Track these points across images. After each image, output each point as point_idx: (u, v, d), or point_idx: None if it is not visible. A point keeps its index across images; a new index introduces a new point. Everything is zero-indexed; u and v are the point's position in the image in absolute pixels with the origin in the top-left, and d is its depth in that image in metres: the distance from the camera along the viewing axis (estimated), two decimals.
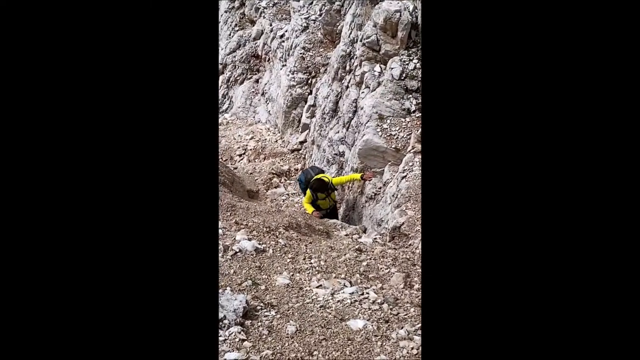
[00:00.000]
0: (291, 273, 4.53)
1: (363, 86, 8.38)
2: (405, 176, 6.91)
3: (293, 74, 11.35)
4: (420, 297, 4.20)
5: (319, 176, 7.73)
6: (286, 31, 12.34)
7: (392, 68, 7.92)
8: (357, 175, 7.60)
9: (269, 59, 13.15)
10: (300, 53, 11.39)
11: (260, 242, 4.98)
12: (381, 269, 4.82)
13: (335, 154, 8.90)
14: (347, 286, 4.35)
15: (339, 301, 4.06)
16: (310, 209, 7.75)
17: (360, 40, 8.57)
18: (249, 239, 4.97)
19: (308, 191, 7.78)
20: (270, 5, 13.48)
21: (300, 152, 10.88)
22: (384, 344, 3.47)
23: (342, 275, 4.59)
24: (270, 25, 13.12)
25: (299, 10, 12.11)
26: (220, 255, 4.60)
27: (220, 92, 14.05)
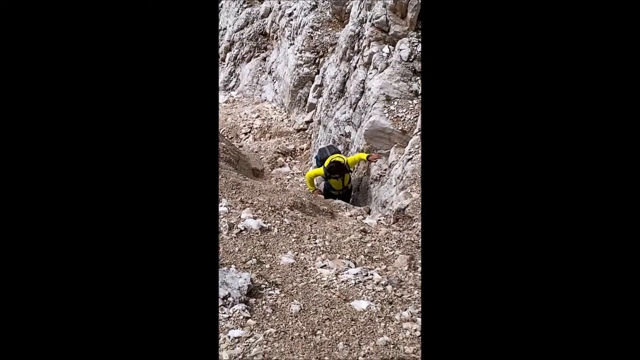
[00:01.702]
0: (296, 252, 4.55)
1: (371, 67, 8.33)
2: (411, 158, 6.90)
3: (301, 52, 11.30)
4: None
5: (335, 157, 7.70)
6: (295, 9, 12.26)
7: (400, 49, 7.88)
8: (364, 155, 7.58)
9: (276, 37, 13.09)
10: (309, 32, 11.33)
11: (265, 221, 4.99)
12: (386, 250, 4.83)
13: (342, 135, 8.88)
14: (351, 267, 4.36)
15: (343, 282, 4.08)
16: (311, 187, 7.76)
17: (369, 21, 8.51)
18: (254, 218, 4.98)
19: (320, 169, 7.77)
20: None
21: (306, 131, 10.87)
22: (387, 325, 3.48)
23: (347, 256, 4.60)
24: (279, 3, 13.03)
25: None
26: (225, 233, 4.62)
27: (227, 69, 14.01)
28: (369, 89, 8.08)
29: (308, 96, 11.07)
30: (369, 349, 3.20)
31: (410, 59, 7.77)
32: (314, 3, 11.64)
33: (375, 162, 7.63)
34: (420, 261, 4.61)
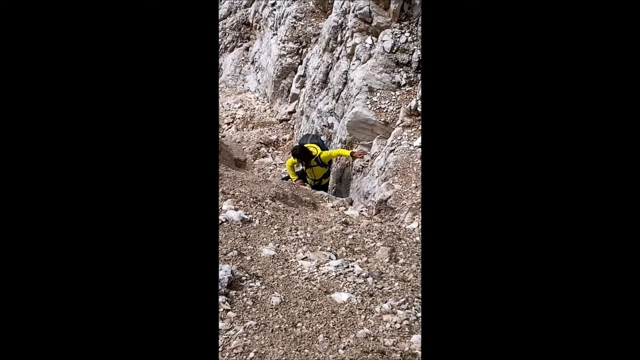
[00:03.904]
0: (277, 244, 4.54)
1: (354, 58, 8.31)
2: (394, 150, 6.91)
3: (284, 43, 11.25)
4: (404, 271, 4.23)
5: (309, 146, 7.68)
6: None
7: (383, 41, 7.86)
8: (347, 152, 7.56)
9: (259, 27, 13.02)
10: (292, 22, 11.28)
11: (247, 213, 4.97)
12: (367, 242, 4.83)
13: (324, 126, 8.87)
14: (332, 259, 4.36)
15: (324, 274, 4.08)
16: (293, 176, 7.75)
17: (353, 12, 8.49)
18: (236, 209, 4.96)
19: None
20: None
21: (289, 122, 10.84)
22: (368, 317, 3.49)
23: (328, 248, 4.60)
24: None
25: None
26: None
27: None
28: (352, 80, 8.07)
29: (291, 87, 11.04)
30: (349, 342, 3.20)
31: (393, 50, 7.76)
32: None
33: (361, 158, 7.61)
34: (401, 253, 4.63)
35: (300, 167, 7.87)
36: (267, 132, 10.76)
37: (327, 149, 8.03)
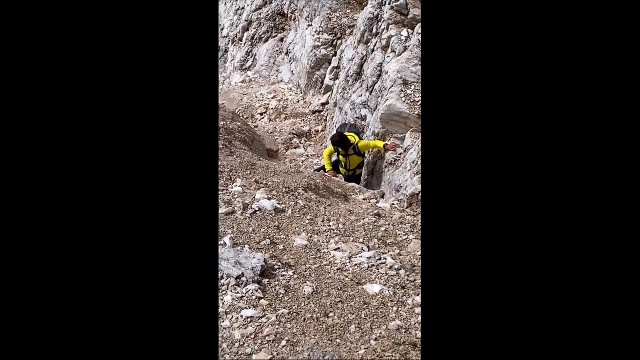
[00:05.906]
0: (309, 234, 4.56)
1: (389, 50, 8.27)
2: None
3: (318, 34, 11.24)
4: None
5: (345, 133, 7.68)
6: None
7: (419, 33, 7.81)
8: (381, 143, 7.53)
9: (294, 18, 13.02)
10: (327, 14, 11.27)
11: (280, 202, 5.00)
12: (399, 235, 4.82)
13: (357, 118, 8.85)
14: (364, 250, 4.36)
15: (356, 265, 4.08)
16: (328, 165, 7.73)
17: (389, 4, 8.45)
18: (269, 199, 4.98)
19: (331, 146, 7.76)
20: None
21: (322, 114, 10.83)
22: (400, 309, 3.49)
23: (360, 240, 4.61)
24: None
25: None
26: (239, 213, 4.63)
27: (244, 49, 13.98)
28: (386, 73, 8.03)
29: (325, 78, 11.03)
30: (380, 333, 3.21)
31: None
32: None
33: (394, 151, 7.56)
34: None
35: (335, 157, 7.85)
36: (299, 123, 10.77)
37: (363, 139, 8.01)
